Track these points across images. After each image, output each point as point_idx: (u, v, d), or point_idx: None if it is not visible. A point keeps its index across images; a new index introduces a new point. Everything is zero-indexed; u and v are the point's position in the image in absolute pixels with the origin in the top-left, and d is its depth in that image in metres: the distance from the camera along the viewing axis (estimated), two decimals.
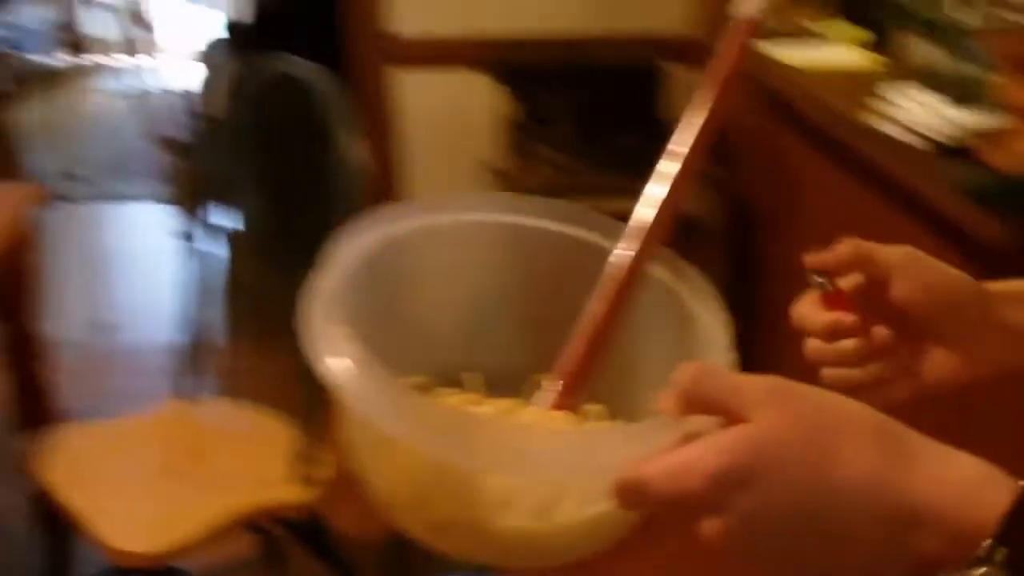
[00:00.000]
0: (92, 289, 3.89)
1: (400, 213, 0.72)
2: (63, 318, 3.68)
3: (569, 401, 0.67)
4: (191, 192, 3.58)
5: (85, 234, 3.88)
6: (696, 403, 0.56)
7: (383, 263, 0.70)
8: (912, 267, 0.79)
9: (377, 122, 3.11)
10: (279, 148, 2.16)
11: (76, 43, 7.21)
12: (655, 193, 0.68)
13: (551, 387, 0.67)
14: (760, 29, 0.69)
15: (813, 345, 0.81)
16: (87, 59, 7.19)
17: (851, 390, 0.78)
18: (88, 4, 6.97)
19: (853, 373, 0.80)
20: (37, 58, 6.47)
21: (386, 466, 0.63)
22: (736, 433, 0.53)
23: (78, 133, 6.16)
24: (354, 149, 1.87)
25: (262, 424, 2.10)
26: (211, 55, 5.22)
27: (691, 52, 3.08)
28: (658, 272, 0.70)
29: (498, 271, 0.78)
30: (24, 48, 5.94)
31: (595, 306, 0.67)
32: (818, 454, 0.53)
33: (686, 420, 0.56)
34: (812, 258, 0.79)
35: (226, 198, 2.40)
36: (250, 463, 1.97)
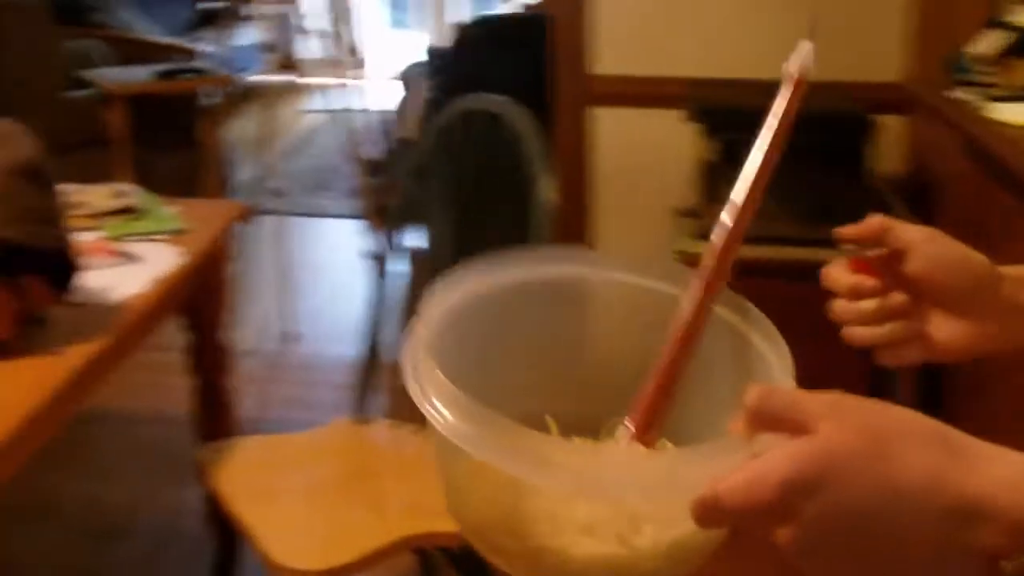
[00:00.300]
0: (282, 300, 4.00)
1: (494, 267, 0.80)
2: (252, 327, 3.80)
3: (644, 437, 0.71)
4: (380, 211, 3.65)
5: (281, 247, 4.00)
6: (762, 421, 0.59)
7: (475, 312, 0.77)
8: (931, 245, 0.87)
9: (572, 158, 3.10)
10: (469, 176, 2.17)
11: (286, 63, 7.48)
12: (714, 241, 0.74)
13: (627, 425, 0.72)
14: (806, 85, 0.75)
15: (838, 304, 0.88)
16: (295, 79, 7.45)
17: (869, 347, 0.88)
18: (299, 27, 7.22)
19: (871, 331, 0.88)
20: (249, 76, 6.73)
21: (477, 496, 0.68)
22: (802, 444, 0.57)
23: (282, 149, 6.38)
24: (543, 185, 1.86)
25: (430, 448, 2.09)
26: (409, 78, 5.33)
27: (903, 102, 2.95)
28: (723, 312, 0.76)
29: (577, 325, 0.85)
30: (237, 67, 6.19)
31: (665, 348, 0.72)
32: (880, 460, 0.56)
33: (755, 439, 0.59)
34: (843, 229, 0.87)
35: (414, 220, 2.42)
36: (417, 487, 1.96)
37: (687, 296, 0.73)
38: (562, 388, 0.83)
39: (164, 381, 2.84)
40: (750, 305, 0.77)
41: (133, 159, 4.50)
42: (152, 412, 3.28)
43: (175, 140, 5.05)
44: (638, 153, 3.12)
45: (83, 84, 4.74)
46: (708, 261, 0.74)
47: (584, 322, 0.86)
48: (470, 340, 0.76)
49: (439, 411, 0.61)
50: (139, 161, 4.53)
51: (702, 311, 0.72)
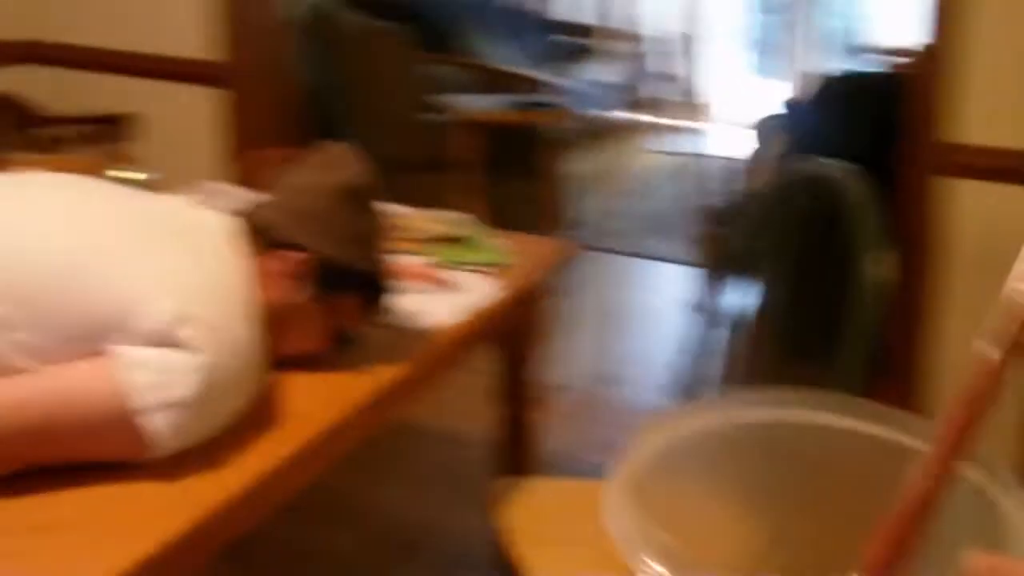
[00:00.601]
0: (603, 340, 3.98)
1: (713, 405, 0.79)
2: (571, 364, 3.80)
3: None
4: (715, 262, 3.57)
5: (609, 285, 4.00)
6: None
7: (690, 452, 0.74)
8: None
9: (915, 233, 2.83)
10: (803, 240, 2.08)
11: (635, 103, 7.55)
12: (966, 391, 0.67)
13: None
14: None
15: None
16: (642, 119, 7.49)
17: None
18: (648, 68, 7.25)
19: None
20: (597, 113, 6.82)
21: None
22: None
23: (622, 188, 6.41)
24: (876, 260, 1.75)
25: None
26: (763, 130, 5.21)
27: None
28: (968, 470, 0.69)
29: (803, 473, 0.78)
30: (586, 103, 6.29)
31: (901, 505, 0.65)
32: None
33: None
34: None
35: (744, 276, 2.35)
36: None
37: (929, 452, 0.66)
38: (784, 538, 0.76)
39: (480, 405, 2.88)
40: (1001, 465, 0.71)
41: (477, 185, 4.64)
42: (464, 434, 3.33)
43: (519, 170, 5.17)
44: (995, 233, 2.82)
45: (437, 108, 4.94)
46: (955, 417, 0.66)
47: (811, 471, 0.79)
48: (682, 481, 0.72)
49: (648, 564, 0.59)
50: (483, 187, 4.66)
51: (944, 471, 0.65)
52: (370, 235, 1.70)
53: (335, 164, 1.71)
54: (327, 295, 1.63)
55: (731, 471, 0.77)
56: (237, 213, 1.67)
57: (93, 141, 3.24)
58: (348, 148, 1.75)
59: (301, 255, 1.60)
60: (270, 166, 2.01)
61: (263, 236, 1.61)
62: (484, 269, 2.19)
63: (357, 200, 1.67)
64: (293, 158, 1.83)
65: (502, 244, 2.32)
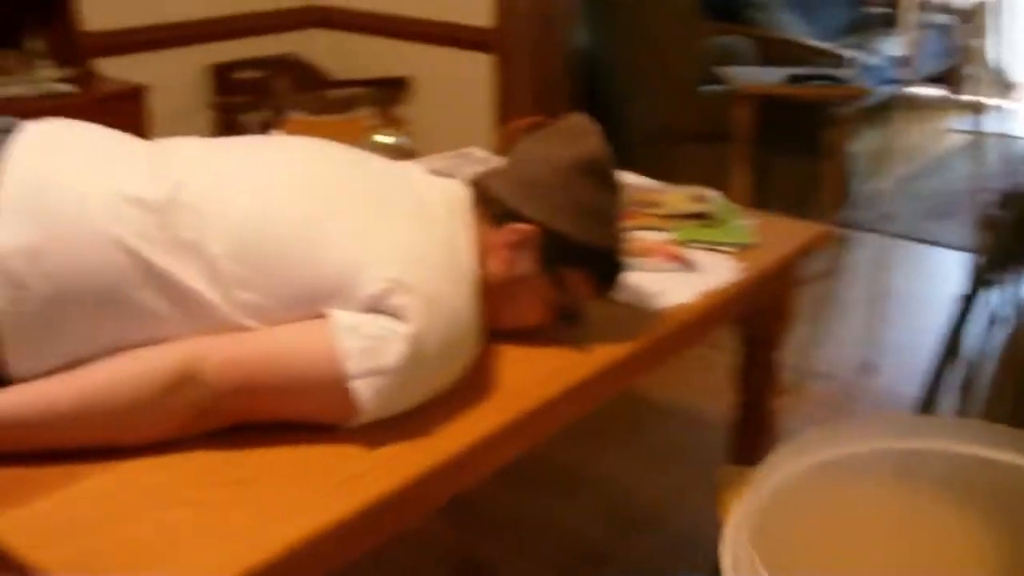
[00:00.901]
0: (869, 327, 3.82)
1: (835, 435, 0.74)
2: (832, 350, 3.67)
3: None
4: (993, 251, 3.35)
5: (883, 270, 3.81)
6: None
7: (809, 487, 0.74)
8: None
9: None
10: None
11: (934, 78, 7.15)
12: None
13: None
14: None
15: None
16: (940, 95, 7.09)
17: None
18: (955, 42, 6.84)
19: None
20: (890, 88, 6.51)
21: None
22: None
23: (911, 168, 6.11)
24: None
25: None
26: None
27: None
28: None
29: (934, 501, 0.73)
30: (880, 77, 6.02)
31: None
32: None
33: None
34: None
35: (1014, 265, 2.21)
36: None
37: None
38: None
39: (724, 385, 2.82)
40: None
41: (751, 159, 4.52)
42: (705, 413, 3.27)
43: (799, 145, 5.01)
44: None
45: (718, 80, 4.84)
46: None
47: (961, 505, 0.72)
48: (807, 519, 0.67)
49: None
50: (756, 162, 4.54)
51: None
52: (605, 210, 1.66)
53: (574, 135, 1.68)
54: (554, 269, 1.62)
55: (866, 500, 0.72)
56: (470, 182, 1.68)
57: (371, 103, 3.37)
58: (588, 119, 1.73)
59: (527, 226, 1.59)
60: (522, 134, 2.03)
61: (492, 206, 1.62)
62: (726, 249, 2.14)
63: (593, 173, 1.63)
64: (536, 127, 1.83)
65: (749, 224, 2.26)
